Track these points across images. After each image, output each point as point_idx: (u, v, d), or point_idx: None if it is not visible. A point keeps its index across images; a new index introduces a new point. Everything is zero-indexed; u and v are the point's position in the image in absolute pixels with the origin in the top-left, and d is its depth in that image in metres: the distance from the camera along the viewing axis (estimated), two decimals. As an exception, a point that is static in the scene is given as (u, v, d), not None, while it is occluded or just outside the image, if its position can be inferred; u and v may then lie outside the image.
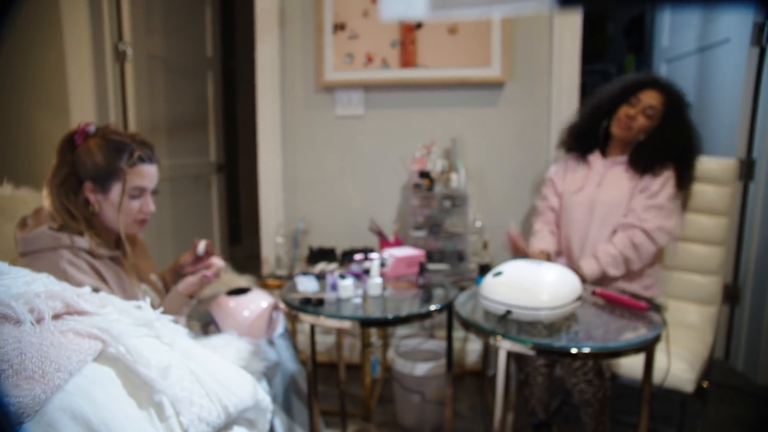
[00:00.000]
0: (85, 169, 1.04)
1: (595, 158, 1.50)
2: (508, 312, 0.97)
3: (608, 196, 1.42)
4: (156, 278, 1.25)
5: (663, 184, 1.36)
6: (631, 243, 1.34)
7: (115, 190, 1.05)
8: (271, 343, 1.21)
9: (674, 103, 1.39)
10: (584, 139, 1.53)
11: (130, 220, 1.09)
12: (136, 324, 0.70)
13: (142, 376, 0.61)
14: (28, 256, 1.01)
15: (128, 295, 1.09)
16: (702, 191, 1.49)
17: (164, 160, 2.32)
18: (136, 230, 1.13)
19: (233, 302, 1.20)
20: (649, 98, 1.39)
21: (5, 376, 0.50)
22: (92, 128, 1.07)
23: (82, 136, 1.06)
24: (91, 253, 1.04)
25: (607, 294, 1.04)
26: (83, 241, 1.03)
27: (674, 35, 2.50)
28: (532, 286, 0.98)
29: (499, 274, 1.03)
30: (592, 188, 1.45)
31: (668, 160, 1.37)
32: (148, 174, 1.09)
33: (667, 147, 1.37)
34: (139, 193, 1.08)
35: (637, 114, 1.39)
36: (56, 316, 0.61)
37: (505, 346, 0.92)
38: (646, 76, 1.47)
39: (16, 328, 0.55)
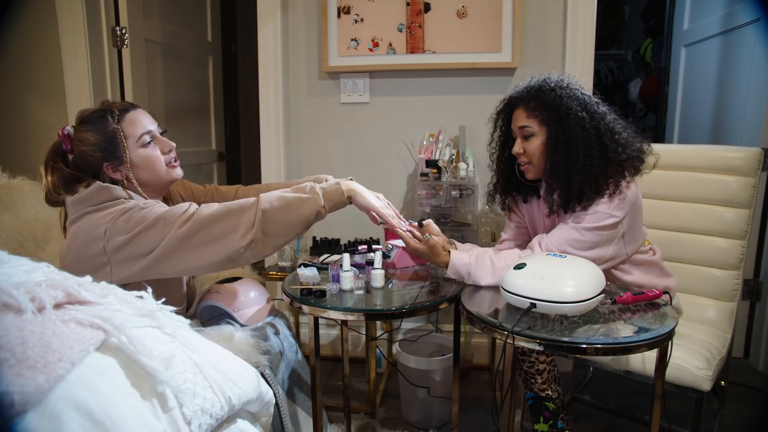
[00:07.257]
0: (92, 158, 1.05)
1: (535, 203, 1.31)
2: (533, 305, 0.94)
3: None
4: None
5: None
6: None
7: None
8: (276, 332, 1.20)
9: (544, 106, 1.14)
10: (512, 191, 1.34)
11: (163, 168, 1.09)
12: (138, 314, 0.69)
13: (144, 366, 0.60)
14: (86, 216, 0.99)
15: None
16: (723, 181, 1.44)
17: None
18: (175, 175, 1.12)
19: (223, 289, 1.25)
20: (517, 121, 1.19)
21: (8, 365, 0.48)
22: (68, 128, 1.07)
23: (68, 139, 1.06)
24: None
25: (628, 299, 1.01)
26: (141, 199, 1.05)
27: (695, 17, 2.41)
28: (557, 279, 0.95)
29: (521, 266, 1.01)
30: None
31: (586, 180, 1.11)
32: (139, 117, 1.08)
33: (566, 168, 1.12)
34: (149, 138, 1.07)
35: (522, 145, 1.19)
36: (57, 306, 0.60)
37: (512, 342, 0.90)
38: (503, 102, 1.26)
39: (18, 317, 0.54)
